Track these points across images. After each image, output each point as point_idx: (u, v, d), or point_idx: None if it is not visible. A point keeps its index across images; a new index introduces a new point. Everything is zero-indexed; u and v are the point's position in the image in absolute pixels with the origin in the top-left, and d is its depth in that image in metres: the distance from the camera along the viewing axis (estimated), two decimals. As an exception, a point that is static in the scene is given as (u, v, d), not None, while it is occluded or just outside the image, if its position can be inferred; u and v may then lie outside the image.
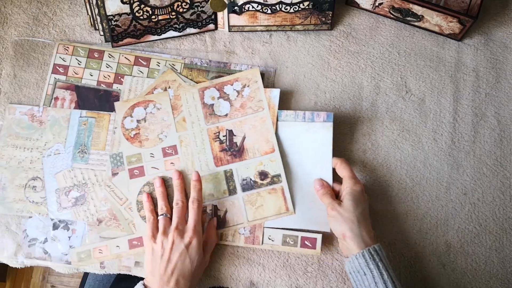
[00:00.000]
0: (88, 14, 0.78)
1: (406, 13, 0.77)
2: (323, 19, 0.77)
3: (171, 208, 0.68)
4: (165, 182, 0.71)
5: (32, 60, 0.78)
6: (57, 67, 0.77)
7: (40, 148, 0.73)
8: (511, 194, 0.73)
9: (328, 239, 0.70)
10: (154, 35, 0.77)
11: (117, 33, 0.75)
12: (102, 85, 0.76)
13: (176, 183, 0.69)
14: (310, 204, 0.70)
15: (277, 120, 0.73)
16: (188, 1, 0.75)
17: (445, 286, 0.70)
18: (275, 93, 0.74)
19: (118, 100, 0.75)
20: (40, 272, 1.49)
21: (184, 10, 0.76)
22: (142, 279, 0.65)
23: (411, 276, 0.70)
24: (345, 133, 0.76)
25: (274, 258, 0.71)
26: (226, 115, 0.73)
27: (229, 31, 0.79)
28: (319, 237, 0.69)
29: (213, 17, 0.78)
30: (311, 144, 0.72)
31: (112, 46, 0.77)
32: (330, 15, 0.77)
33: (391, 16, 0.79)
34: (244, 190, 0.71)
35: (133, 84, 0.76)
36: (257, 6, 0.75)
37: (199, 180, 0.68)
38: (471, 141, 0.76)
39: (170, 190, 0.70)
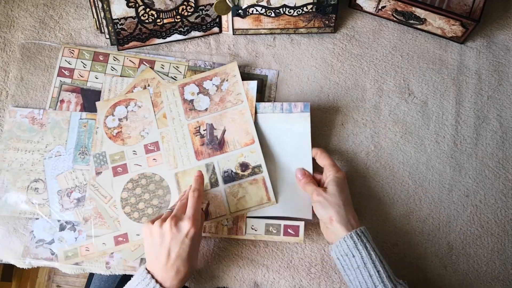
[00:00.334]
0: (94, 18, 0.79)
1: (409, 16, 0.77)
2: (327, 22, 0.78)
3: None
4: (148, 178, 0.72)
5: (38, 63, 0.79)
6: (62, 70, 0.78)
7: (41, 150, 0.74)
8: (513, 196, 0.74)
9: (323, 238, 0.71)
10: (159, 38, 0.78)
11: (123, 36, 0.76)
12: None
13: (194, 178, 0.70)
14: (292, 193, 0.71)
15: (256, 112, 0.73)
16: (193, 5, 0.76)
17: None
18: (253, 85, 0.74)
19: None
20: (46, 272, 1.50)
21: (189, 13, 0.76)
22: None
23: (413, 277, 0.71)
24: (348, 135, 0.76)
25: (278, 259, 0.72)
26: (206, 109, 0.74)
27: (233, 34, 0.80)
28: (301, 224, 0.69)
29: (217, 20, 0.78)
30: (290, 134, 0.72)
31: (118, 50, 0.78)
32: (334, 18, 0.77)
33: (394, 19, 0.80)
34: (225, 182, 0.71)
35: (113, 83, 0.77)
36: (261, 10, 0.75)
37: (201, 175, 0.70)
38: (473, 143, 0.76)
39: (152, 186, 0.72)
